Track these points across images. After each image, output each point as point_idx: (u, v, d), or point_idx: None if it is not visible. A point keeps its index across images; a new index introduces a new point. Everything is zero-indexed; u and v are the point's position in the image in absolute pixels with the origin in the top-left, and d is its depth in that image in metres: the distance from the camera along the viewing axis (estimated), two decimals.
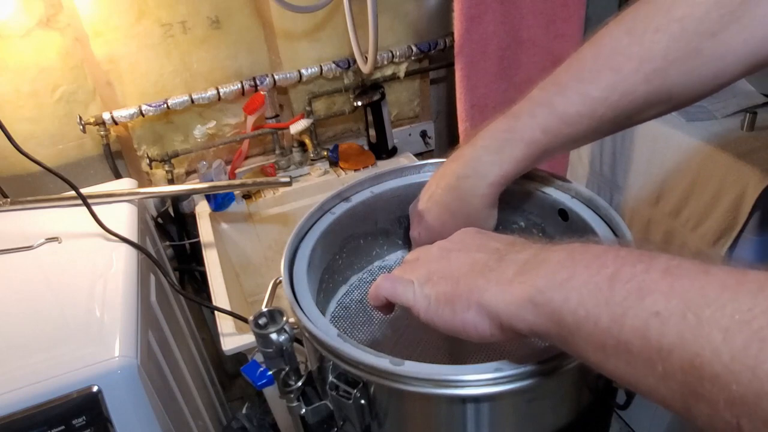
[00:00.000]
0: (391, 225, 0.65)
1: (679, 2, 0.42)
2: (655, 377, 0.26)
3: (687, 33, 0.42)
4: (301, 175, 1.26)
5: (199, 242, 1.10)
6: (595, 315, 0.29)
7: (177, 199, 1.20)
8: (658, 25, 0.43)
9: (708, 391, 0.24)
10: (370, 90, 1.25)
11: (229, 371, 1.45)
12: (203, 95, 1.14)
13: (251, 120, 1.19)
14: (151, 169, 1.18)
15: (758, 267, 0.25)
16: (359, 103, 1.24)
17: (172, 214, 1.23)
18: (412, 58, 1.29)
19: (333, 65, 1.22)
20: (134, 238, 0.84)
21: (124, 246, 0.81)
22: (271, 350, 0.46)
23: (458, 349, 0.55)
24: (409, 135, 1.40)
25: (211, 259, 1.01)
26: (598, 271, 0.30)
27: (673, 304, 0.26)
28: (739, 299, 0.24)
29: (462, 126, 1.11)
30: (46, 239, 0.83)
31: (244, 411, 1.14)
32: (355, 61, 1.21)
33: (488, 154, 0.49)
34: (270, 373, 0.48)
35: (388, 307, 0.43)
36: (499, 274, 0.35)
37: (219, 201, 1.16)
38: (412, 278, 0.41)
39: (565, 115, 0.46)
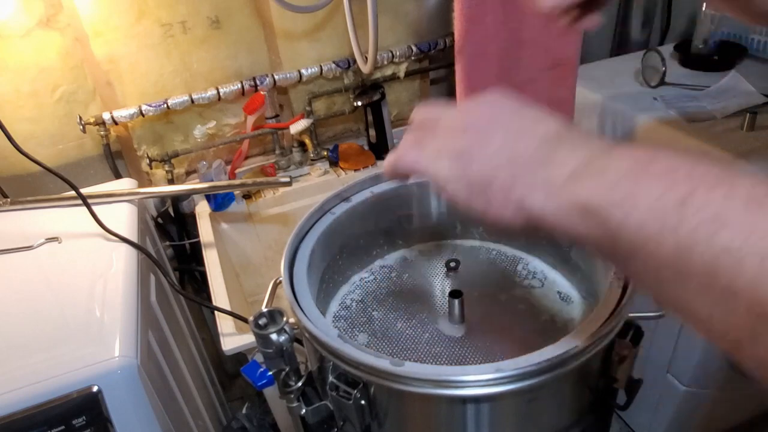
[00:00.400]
0: (391, 225, 0.65)
1: None
2: (712, 312, 0.25)
3: None
4: (301, 175, 1.26)
5: (199, 242, 1.10)
6: (657, 241, 0.26)
7: (177, 199, 1.20)
8: None
9: (765, 335, 0.22)
10: (370, 90, 1.25)
11: (229, 371, 1.45)
12: (203, 95, 1.14)
13: (251, 120, 1.19)
14: (151, 169, 1.18)
15: None
16: (359, 103, 1.24)
17: (172, 214, 1.23)
18: (412, 58, 1.29)
19: (333, 65, 1.22)
20: (134, 238, 0.84)
21: (124, 246, 0.81)
22: (271, 350, 0.46)
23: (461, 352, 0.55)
24: None
25: (211, 259, 1.01)
26: (668, 191, 0.26)
27: (751, 243, 0.23)
28: None
29: None
30: (46, 239, 0.83)
31: (244, 411, 1.13)
32: (355, 61, 1.21)
33: None
34: (270, 373, 0.48)
35: (405, 177, 0.40)
36: (547, 175, 0.31)
37: (219, 201, 1.16)
38: (438, 150, 0.36)
39: None
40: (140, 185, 1.05)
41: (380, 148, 1.31)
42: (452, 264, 0.64)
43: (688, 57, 1.19)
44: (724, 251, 0.24)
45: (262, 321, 0.46)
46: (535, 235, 0.43)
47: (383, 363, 0.38)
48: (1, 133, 0.77)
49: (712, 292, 0.24)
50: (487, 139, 0.35)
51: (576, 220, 0.30)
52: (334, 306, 0.61)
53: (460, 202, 0.35)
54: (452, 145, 0.36)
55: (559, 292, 0.62)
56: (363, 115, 1.30)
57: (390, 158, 0.39)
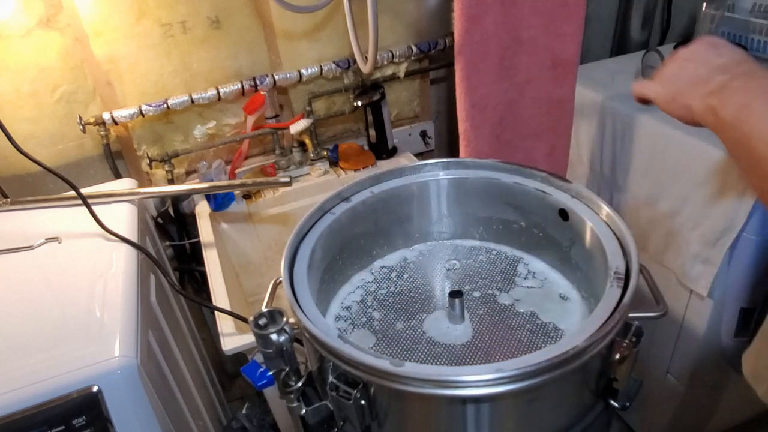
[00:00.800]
0: (391, 225, 0.65)
1: None
2: None
3: None
4: (301, 175, 1.26)
5: (199, 242, 1.10)
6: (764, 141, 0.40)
7: (177, 199, 1.20)
8: None
9: None
10: (370, 90, 1.25)
11: (229, 371, 1.45)
12: (203, 95, 1.14)
13: (251, 120, 1.19)
14: (151, 169, 1.18)
15: None
16: (359, 103, 1.24)
17: (172, 214, 1.23)
18: (412, 58, 1.29)
19: (333, 65, 1.22)
20: (134, 238, 0.84)
21: (124, 246, 0.81)
22: (271, 351, 0.46)
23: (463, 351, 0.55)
24: (409, 135, 1.40)
25: (211, 259, 1.01)
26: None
27: None
28: None
29: (462, 126, 1.11)
30: (46, 239, 0.83)
31: (244, 411, 1.14)
32: (355, 61, 1.21)
33: None
34: (270, 373, 0.48)
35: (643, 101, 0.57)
36: (702, 90, 0.48)
37: (219, 201, 1.16)
38: (657, 78, 0.54)
39: None
40: (140, 185, 1.06)
41: (380, 148, 1.31)
42: (452, 264, 0.64)
43: None
44: None
45: (262, 321, 0.46)
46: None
47: (383, 363, 0.38)
48: (1, 133, 0.77)
49: None
50: (684, 69, 0.52)
51: (711, 119, 0.46)
52: (334, 306, 0.61)
53: (663, 108, 0.53)
54: (662, 74, 0.54)
55: (559, 292, 0.62)
56: (363, 115, 1.30)
57: (636, 87, 0.56)
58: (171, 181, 1.18)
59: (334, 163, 1.28)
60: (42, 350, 0.62)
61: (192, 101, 1.13)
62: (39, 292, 0.73)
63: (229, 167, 1.21)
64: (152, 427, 0.65)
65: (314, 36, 1.21)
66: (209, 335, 1.36)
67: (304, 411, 0.47)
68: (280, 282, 0.51)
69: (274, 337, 0.45)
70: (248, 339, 0.80)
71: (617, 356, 0.44)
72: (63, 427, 0.59)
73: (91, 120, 1.08)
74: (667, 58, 0.56)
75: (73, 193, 0.81)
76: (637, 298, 0.46)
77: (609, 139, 1.14)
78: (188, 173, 1.25)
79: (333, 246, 0.59)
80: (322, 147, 1.30)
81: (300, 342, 0.47)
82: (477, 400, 0.38)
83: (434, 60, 1.35)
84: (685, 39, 1.38)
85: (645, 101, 0.57)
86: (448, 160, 0.63)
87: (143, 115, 1.11)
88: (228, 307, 0.86)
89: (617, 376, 0.46)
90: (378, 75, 1.29)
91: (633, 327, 0.46)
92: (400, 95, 1.36)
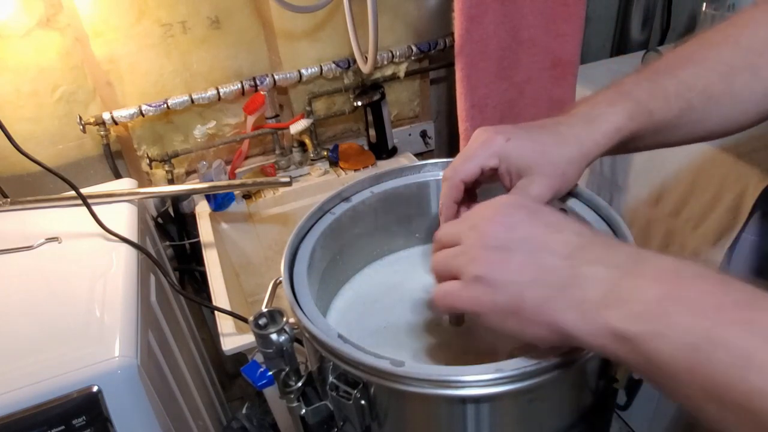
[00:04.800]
0: (391, 225, 0.65)
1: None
2: None
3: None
4: (301, 175, 1.26)
5: (199, 242, 1.10)
6: (692, 376, 0.27)
7: (177, 199, 1.20)
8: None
9: None
10: (370, 90, 1.25)
11: (229, 371, 1.45)
12: (203, 95, 1.14)
13: (251, 120, 1.19)
14: (151, 169, 1.18)
15: None
16: (359, 103, 1.24)
17: (172, 214, 1.23)
18: (412, 58, 1.28)
19: (333, 65, 1.22)
20: (134, 238, 0.84)
21: (124, 246, 0.81)
22: (271, 351, 0.46)
23: (466, 347, 0.54)
24: (409, 135, 1.40)
25: (211, 259, 1.01)
26: (696, 325, 0.27)
27: None
28: None
29: (462, 126, 1.11)
30: (46, 239, 0.83)
31: (244, 411, 1.13)
32: (355, 61, 1.21)
33: (598, 107, 0.46)
34: (270, 373, 0.48)
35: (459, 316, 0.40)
36: (576, 294, 0.32)
37: (219, 201, 1.16)
38: (465, 277, 0.36)
39: (665, 90, 0.45)
40: (140, 185, 1.05)
41: (380, 148, 1.31)
42: None
43: None
44: (756, 394, 0.25)
45: (262, 321, 0.46)
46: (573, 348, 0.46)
47: (383, 363, 0.38)
48: (1, 133, 0.77)
49: (752, 421, 0.25)
50: (509, 259, 0.35)
51: (611, 344, 0.30)
52: (334, 306, 0.61)
53: (496, 328, 0.36)
54: (475, 270, 0.35)
55: None
56: (363, 115, 1.30)
57: (434, 299, 0.38)
58: (171, 181, 1.18)
59: (334, 163, 1.28)
60: (42, 350, 0.62)
61: (192, 101, 1.13)
62: (39, 292, 0.73)
63: (229, 167, 1.21)
64: (152, 427, 0.65)
65: (314, 36, 1.21)
66: (209, 335, 1.36)
67: (304, 411, 0.47)
68: (280, 282, 0.51)
69: (274, 337, 0.45)
70: (248, 339, 0.80)
71: None
72: (63, 427, 0.59)
73: (91, 120, 1.08)
74: (443, 232, 0.39)
75: (73, 193, 0.81)
76: None
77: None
78: (188, 173, 1.25)
79: (333, 246, 0.59)
80: (322, 147, 1.30)
81: (300, 342, 0.47)
82: (477, 400, 0.38)
83: (434, 60, 1.35)
84: (685, 39, 1.38)
85: (458, 316, 0.41)
86: (448, 160, 0.63)
87: (143, 115, 1.11)
88: (228, 307, 0.86)
89: (617, 376, 0.46)
90: (378, 75, 1.29)
91: None
92: (400, 95, 1.36)
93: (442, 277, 0.39)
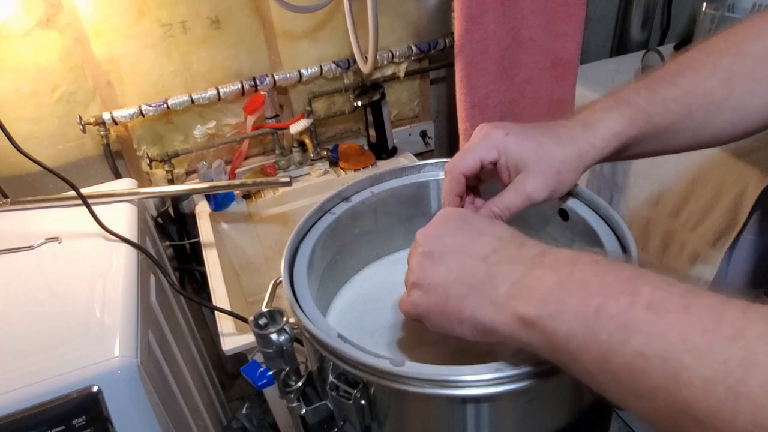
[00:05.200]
0: (391, 225, 0.65)
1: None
2: (644, 410, 0.28)
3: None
4: (301, 175, 1.26)
5: (199, 242, 1.10)
6: (585, 347, 0.30)
7: (177, 199, 1.20)
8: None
9: (689, 430, 0.26)
10: (370, 90, 1.25)
11: (229, 371, 1.45)
12: (203, 95, 1.14)
13: (251, 120, 1.19)
14: (151, 169, 1.18)
15: (740, 298, 0.27)
16: (359, 103, 1.24)
17: (172, 214, 1.23)
18: (412, 58, 1.29)
19: (333, 65, 1.22)
20: (134, 238, 0.84)
21: (124, 246, 0.81)
22: (271, 350, 0.46)
23: (465, 347, 0.55)
24: (409, 135, 1.40)
25: (211, 259, 1.01)
26: (586, 302, 0.30)
27: (655, 347, 0.27)
28: (716, 347, 0.25)
29: (462, 126, 1.11)
30: (46, 239, 0.83)
31: (244, 411, 1.13)
32: (355, 61, 1.21)
33: (597, 113, 0.46)
34: (270, 373, 0.48)
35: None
36: (490, 290, 0.35)
37: (219, 201, 1.16)
38: (409, 284, 0.41)
39: (665, 96, 0.46)
40: (140, 185, 1.06)
41: (380, 148, 1.31)
42: None
43: None
44: (636, 355, 0.27)
45: (262, 321, 0.46)
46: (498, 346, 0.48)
47: (383, 363, 0.38)
48: (1, 133, 0.77)
49: (639, 392, 0.28)
50: (437, 264, 0.39)
51: (521, 331, 0.33)
52: (334, 306, 0.61)
53: (435, 329, 0.39)
54: (412, 277, 0.40)
55: None
56: (363, 115, 1.30)
57: (401, 305, 0.43)
58: (171, 181, 1.18)
59: (334, 163, 1.28)
60: (42, 350, 0.62)
61: (192, 101, 1.13)
62: (39, 292, 0.73)
63: (229, 167, 1.21)
64: (152, 427, 0.65)
65: (314, 36, 1.21)
66: (209, 335, 1.36)
67: (304, 411, 0.47)
68: (280, 282, 0.51)
69: (274, 337, 0.45)
70: (248, 339, 0.80)
71: None
72: (63, 427, 0.59)
73: (91, 120, 1.08)
74: (412, 248, 0.42)
75: (73, 193, 0.81)
76: None
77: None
78: (188, 173, 1.25)
79: (333, 246, 0.59)
80: (322, 147, 1.30)
81: (300, 342, 0.47)
82: (477, 399, 0.38)
83: (434, 60, 1.35)
84: (685, 39, 1.38)
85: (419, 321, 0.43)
86: (448, 160, 0.63)
87: (143, 115, 1.11)
88: (228, 307, 0.86)
89: None
90: (378, 75, 1.29)
91: None
92: (400, 95, 1.36)
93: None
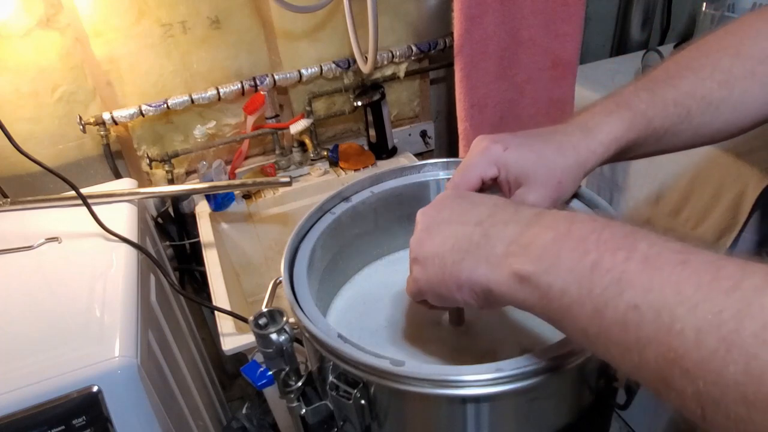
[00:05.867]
0: (391, 225, 0.65)
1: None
2: (632, 363, 0.28)
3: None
4: (301, 175, 1.26)
5: (199, 242, 1.10)
6: (579, 302, 0.30)
7: (177, 199, 1.20)
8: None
9: (678, 383, 0.25)
10: (370, 90, 1.25)
11: (229, 371, 1.45)
12: (203, 95, 1.14)
13: (251, 120, 1.19)
14: (151, 169, 1.18)
15: (738, 257, 0.26)
16: (359, 103, 1.24)
17: (172, 214, 1.23)
18: (412, 58, 1.29)
19: (333, 65, 1.22)
20: (134, 238, 0.84)
21: (124, 246, 0.81)
22: (271, 350, 0.46)
23: (465, 346, 0.55)
24: (409, 135, 1.40)
25: (211, 259, 1.01)
26: (581, 258, 0.30)
27: (649, 299, 0.27)
28: (711, 299, 0.25)
29: (462, 126, 1.11)
30: (46, 239, 0.83)
31: (244, 411, 1.13)
32: (355, 61, 1.21)
33: (596, 117, 0.46)
34: (270, 373, 0.48)
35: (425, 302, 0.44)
36: (487, 251, 0.36)
37: (219, 201, 1.16)
38: (410, 261, 0.42)
39: (664, 99, 0.46)
40: (140, 185, 1.06)
41: (380, 148, 1.31)
42: None
43: None
44: (629, 308, 0.27)
45: (262, 321, 0.46)
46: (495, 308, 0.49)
47: (383, 363, 0.38)
48: (1, 133, 0.77)
49: (629, 345, 0.28)
50: (433, 236, 0.39)
51: (516, 287, 0.33)
52: (334, 306, 0.61)
53: (437, 302, 0.40)
54: (411, 254, 0.41)
55: None
56: (363, 115, 1.30)
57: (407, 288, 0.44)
58: (171, 181, 1.18)
59: (334, 163, 1.28)
60: (42, 350, 0.62)
61: (192, 101, 1.13)
62: (39, 292, 0.73)
63: (229, 167, 1.21)
64: (152, 427, 0.65)
65: (314, 36, 1.21)
66: (209, 335, 1.36)
67: (304, 411, 0.47)
68: (280, 282, 0.51)
69: (274, 337, 0.45)
70: (248, 339, 0.80)
71: None
72: (63, 427, 0.59)
73: (91, 120, 1.08)
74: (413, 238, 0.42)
75: (73, 193, 0.81)
76: None
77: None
78: (188, 173, 1.25)
79: (333, 246, 0.59)
80: (322, 147, 1.30)
81: (300, 342, 0.47)
82: (477, 399, 0.38)
83: (434, 60, 1.35)
84: (685, 39, 1.38)
85: (458, 316, 0.45)
86: (448, 160, 0.63)
87: (143, 115, 1.11)
88: (228, 307, 0.86)
89: (617, 375, 0.46)
90: (378, 75, 1.29)
91: None
92: (400, 95, 1.36)
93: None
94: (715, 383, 0.24)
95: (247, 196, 1.20)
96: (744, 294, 0.24)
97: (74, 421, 0.59)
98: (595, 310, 0.29)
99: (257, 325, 0.46)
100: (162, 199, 1.21)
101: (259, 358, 0.48)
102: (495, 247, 0.35)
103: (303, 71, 1.20)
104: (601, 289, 0.29)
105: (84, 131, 1.09)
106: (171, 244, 1.25)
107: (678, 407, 0.26)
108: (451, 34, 1.10)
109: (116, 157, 1.17)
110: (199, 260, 1.19)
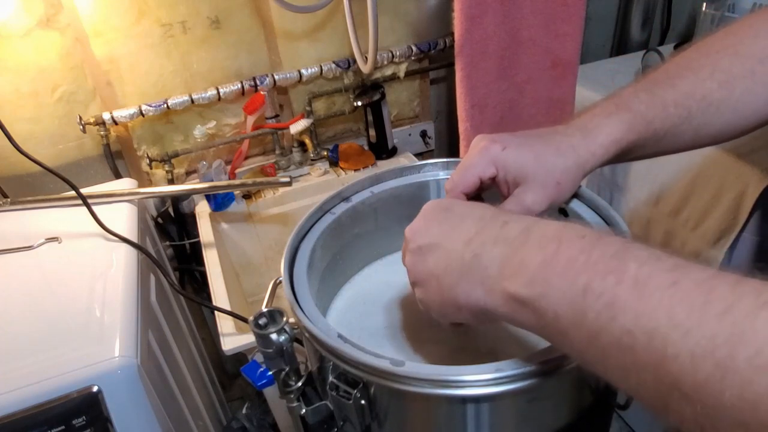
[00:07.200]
0: (391, 225, 0.65)
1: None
2: (632, 386, 0.28)
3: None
4: (301, 175, 1.26)
5: (199, 242, 1.10)
6: (574, 326, 0.30)
7: (177, 199, 1.20)
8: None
9: (677, 405, 0.26)
10: (370, 90, 1.25)
11: (229, 371, 1.45)
12: (203, 95, 1.14)
13: (251, 120, 1.19)
14: (151, 169, 1.18)
15: (730, 273, 0.26)
16: (359, 103, 1.24)
17: (172, 214, 1.23)
18: (412, 58, 1.29)
19: (333, 65, 1.22)
20: (134, 238, 0.84)
21: (124, 246, 0.81)
22: (271, 350, 0.46)
23: (465, 345, 0.55)
24: (409, 135, 1.40)
25: (211, 259, 1.01)
26: (573, 282, 0.30)
27: (642, 324, 0.27)
28: (703, 324, 0.25)
29: (462, 126, 1.11)
30: (46, 239, 0.83)
31: (244, 411, 1.14)
32: (355, 61, 1.21)
33: (596, 119, 0.46)
34: (270, 373, 0.48)
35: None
36: (480, 273, 0.36)
37: (219, 201, 1.16)
38: (409, 281, 0.42)
39: (664, 100, 0.46)
40: (140, 185, 1.06)
41: (380, 148, 1.31)
42: None
43: None
44: (623, 333, 0.27)
45: (262, 321, 0.46)
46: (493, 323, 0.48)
47: (383, 363, 0.38)
48: (1, 133, 0.77)
49: (627, 368, 0.28)
50: (426, 258, 0.40)
51: (514, 309, 0.34)
52: (334, 306, 0.61)
53: (441, 320, 0.41)
54: (410, 277, 0.42)
55: None
56: (363, 115, 1.30)
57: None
58: (171, 181, 1.18)
59: (334, 163, 1.28)
60: (42, 350, 0.62)
61: (192, 101, 1.13)
62: (39, 292, 0.73)
63: (229, 167, 1.21)
64: (152, 427, 0.65)
65: (314, 36, 1.21)
66: (209, 335, 1.36)
67: (304, 411, 0.47)
68: (280, 282, 0.51)
69: (274, 337, 0.45)
70: (248, 339, 0.80)
71: None
72: (63, 427, 0.59)
73: (91, 120, 1.08)
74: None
75: (73, 193, 0.81)
76: None
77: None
78: (188, 173, 1.25)
79: (333, 246, 0.59)
80: (322, 147, 1.30)
81: (300, 342, 0.47)
82: (477, 399, 0.38)
83: (434, 60, 1.35)
84: (685, 39, 1.38)
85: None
86: (448, 160, 0.63)
87: (143, 115, 1.11)
88: (228, 307, 0.86)
89: None
90: (378, 75, 1.29)
91: None
92: (400, 95, 1.36)
93: None
94: (713, 407, 0.24)
95: (247, 196, 1.20)
96: (735, 319, 0.24)
97: (74, 421, 0.59)
98: (590, 334, 0.29)
99: (257, 325, 0.46)
100: (162, 199, 1.21)
101: (259, 358, 0.48)
102: (488, 269, 0.35)
103: (303, 71, 1.20)
104: (594, 314, 0.29)
105: (84, 131, 1.09)
106: (171, 244, 1.25)
107: (678, 426, 0.26)
108: (451, 34, 1.10)
109: (116, 157, 1.17)
110: (199, 260, 1.19)
